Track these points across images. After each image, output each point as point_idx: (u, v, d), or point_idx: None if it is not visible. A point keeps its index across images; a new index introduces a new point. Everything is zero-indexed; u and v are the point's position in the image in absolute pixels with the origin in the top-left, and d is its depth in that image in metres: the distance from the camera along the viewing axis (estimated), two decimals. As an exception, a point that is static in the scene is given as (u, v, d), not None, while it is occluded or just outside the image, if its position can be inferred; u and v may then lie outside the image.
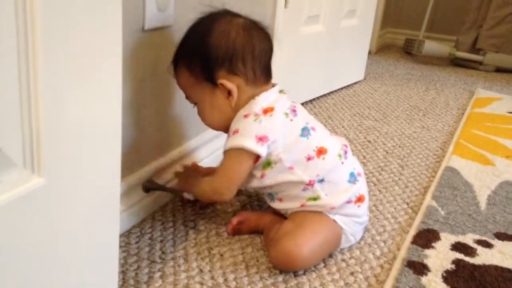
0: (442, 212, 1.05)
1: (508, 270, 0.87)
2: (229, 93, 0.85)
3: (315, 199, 0.86)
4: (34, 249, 0.51)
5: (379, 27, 2.78)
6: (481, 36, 2.60)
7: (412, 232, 0.97)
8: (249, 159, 0.84)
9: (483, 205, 1.10)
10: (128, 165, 0.91)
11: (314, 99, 1.84)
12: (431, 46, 2.63)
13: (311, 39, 1.72)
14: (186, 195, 0.95)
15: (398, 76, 2.33)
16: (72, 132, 0.52)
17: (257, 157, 0.84)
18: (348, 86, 2.07)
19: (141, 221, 0.94)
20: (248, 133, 0.82)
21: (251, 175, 0.87)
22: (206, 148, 1.16)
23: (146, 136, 0.95)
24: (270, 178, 0.86)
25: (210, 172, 1.01)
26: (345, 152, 0.91)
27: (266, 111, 0.84)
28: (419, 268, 0.85)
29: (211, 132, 1.17)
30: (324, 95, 1.91)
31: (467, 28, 2.67)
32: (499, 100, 1.98)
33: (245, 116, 0.84)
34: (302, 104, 1.77)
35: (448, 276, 0.83)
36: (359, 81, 2.16)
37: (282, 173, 0.85)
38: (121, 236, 0.89)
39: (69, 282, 0.57)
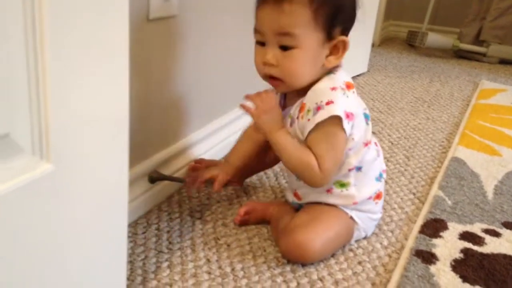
0: (449, 202, 1.04)
1: (516, 258, 0.86)
2: (335, 52, 0.81)
3: (343, 185, 0.85)
4: (43, 235, 0.50)
5: (382, 19, 2.77)
6: (485, 27, 2.59)
7: (420, 221, 0.96)
8: (344, 135, 0.80)
9: (490, 194, 1.10)
10: (134, 156, 0.90)
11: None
12: (434, 38, 2.61)
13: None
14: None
15: (401, 68, 2.32)
16: (81, 119, 0.51)
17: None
18: (352, 78, 2.06)
19: (148, 212, 0.94)
20: (341, 106, 0.77)
21: None
22: (212, 139, 1.15)
23: (152, 127, 0.95)
24: None
25: (215, 164, 1.00)
26: (379, 150, 0.91)
27: (348, 86, 0.81)
28: (427, 257, 0.84)
29: (216, 124, 1.17)
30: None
31: (470, 20, 2.66)
32: (504, 92, 1.97)
33: (332, 89, 0.79)
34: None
35: (456, 265, 0.83)
36: (363, 73, 2.15)
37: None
38: (128, 226, 0.88)
39: (77, 270, 0.57)
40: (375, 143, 0.92)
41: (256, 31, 0.81)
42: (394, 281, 0.78)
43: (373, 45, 2.22)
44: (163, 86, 0.95)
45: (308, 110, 0.80)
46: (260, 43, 0.81)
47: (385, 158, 1.28)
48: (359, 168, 0.85)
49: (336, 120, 0.77)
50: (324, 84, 0.80)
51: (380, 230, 0.94)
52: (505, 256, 0.86)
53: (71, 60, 0.48)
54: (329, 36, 0.79)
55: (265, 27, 0.79)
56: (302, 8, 0.76)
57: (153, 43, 0.89)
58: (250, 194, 1.05)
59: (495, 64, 2.57)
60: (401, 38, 3.07)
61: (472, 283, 0.79)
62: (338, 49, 0.81)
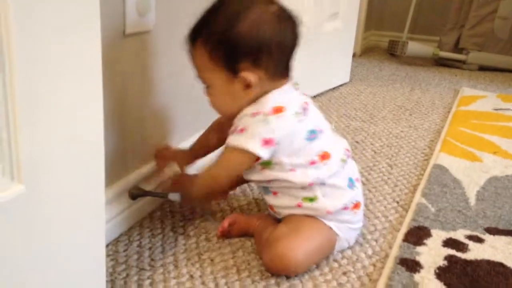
0: (433, 209, 1.04)
1: (500, 264, 0.86)
2: (248, 85, 0.82)
3: (311, 199, 0.85)
4: (15, 260, 0.49)
5: (363, 29, 2.80)
6: (463, 35, 2.63)
7: (403, 230, 0.96)
8: (250, 159, 0.83)
9: (472, 201, 1.10)
10: (113, 173, 0.89)
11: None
12: (414, 47, 2.64)
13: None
14: (172, 197, 0.92)
15: (383, 78, 2.34)
16: (53, 140, 0.50)
17: (258, 158, 0.82)
18: (334, 88, 2.07)
19: (129, 229, 0.93)
20: (254, 135, 0.80)
21: (251, 168, 0.86)
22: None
23: (130, 143, 0.94)
24: (270, 174, 0.85)
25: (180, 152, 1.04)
26: (348, 157, 0.90)
27: (276, 110, 0.81)
28: (411, 265, 0.84)
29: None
30: (311, 97, 1.90)
31: (449, 28, 2.69)
32: (484, 98, 1.99)
33: (253, 114, 0.81)
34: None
35: (441, 272, 0.83)
36: (345, 83, 2.16)
37: (283, 172, 0.84)
38: (108, 244, 0.87)
39: (54, 293, 0.56)
40: (346, 149, 0.90)
41: None
42: (378, 291, 0.78)
43: (354, 55, 2.24)
44: (142, 100, 0.95)
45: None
46: None
47: (368, 167, 1.29)
48: (322, 183, 0.84)
49: (236, 149, 0.82)
50: (248, 110, 0.83)
51: (364, 239, 0.94)
52: (488, 262, 0.87)
53: (41, 78, 0.47)
54: (234, 72, 0.81)
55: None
56: (200, 54, 0.82)
57: (130, 58, 0.88)
58: (233, 207, 1.04)
59: (475, 71, 2.60)
60: (382, 48, 3.10)
61: (456, 290, 0.79)
62: (246, 84, 0.82)
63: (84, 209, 0.57)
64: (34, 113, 0.47)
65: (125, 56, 0.86)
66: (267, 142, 0.80)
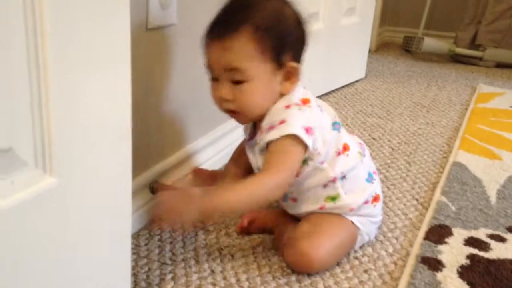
0: (453, 208, 1.03)
1: (523, 264, 0.85)
2: (290, 77, 0.80)
3: (334, 198, 0.84)
4: (46, 250, 0.49)
5: (378, 25, 2.77)
6: (480, 31, 2.59)
7: (424, 228, 0.95)
8: (301, 150, 0.77)
9: (493, 199, 1.09)
10: (135, 167, 0.89)
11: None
12: (430, 43, 2.62)
13: (311, 37, 1.70)
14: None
15: (398, 74, 2.32)
16: (83, 132, 0.50)
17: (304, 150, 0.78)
18: (349, 84, 2.06)
19: (149, 223, 0.93)
20: (296, 124, 0.76)
21: None
22: (213, 148, 1.14)
23: (152, 137, 0.94)
24: (304, 176, 0.82)
25: (215, 175, 0.99)
26: (363, 150, 0.90)
27: (304, 101, 0.81)
28: (433, 264, 0.83)
29: (217, 132, 1.16)
30: (326, 93, 1.90)
31: (466, 24, 2.66)
32: (502, 95, 1.97)
33: (287, 107, 0.79)
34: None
35: (463, 272, 0.82)
36: (360, 79, 2.15)
37: (314, 170, 0.82)
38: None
39: (81, 285, 0.56)
40: (360, 143, 0.91)
41: (208, 66, 0.81)
42: (401, 289, 0.77)
43: (369, 51, 2.22)
44: (162, 95, 0.94)
45: (261, 132, 0.81)
46: (214, 79, 0.81)
47: (386, 164, 1.28)
48: (343, 177, 0.84)
49: (288, 139, 0.76)
50: (279, 105, 0.80)
51: (384, 237, 0.93)
52: (511, 261, 0.86)
53: (73, 72, 0.47)
54: (279, 64, 0.79)
55: (214, 64, 0.79)
56: (245, 42, 0.76)
57: (152, 53, 0.88)
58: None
59: (492, 68, 2.57)
60: (397, 44, 3.07)
61: (480, 290, 0.78)
62: (291, 75, 0.80)
63: (112, 200, 0.57)
64: (65, 106, 0.47)
65: (147, 51, 0.86)
66: (307, 130, 0.77)
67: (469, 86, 2.15)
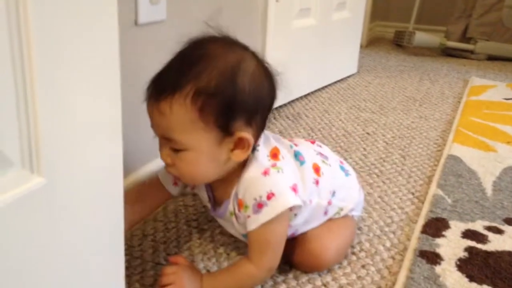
0: (449, 200, 1.03)
1: (521, 255, 0.85)
2: (238, 146, 0.69)
3: (338, 213, 0.84)
4: (36, 251, 0.48)
5: (369, 20, 2.77)
6: (471, 25, 2.60)
7: (421, 221, 0.94)
8: (288, 214, 0.74)
9: (489, 191, 1.08)
10: (127, 166, 0.88)
11: (309, 94, 1.82)
12: (421, 37, 2.62)
13: (303, 33, 1.69)
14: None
15: (390, 68, 2.32)
16: (72, 131, 0.49)
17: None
18: (341, 79, 2.05)
19: (142, 223, 0.91)
20: (284, 190, 0.70)
21: None
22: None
23: (143, 136, 0.92)
24: (300, 223, 0.79)
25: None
26: (321, 154, 0.85)
27: (274, 155, 0.74)
28: (431, 257, 0.82)
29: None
30: (319, 89, 1.89)
31: (456, 17, 2.66)
32: (494, 88, 1.97)
33: (265, 173, 0.70)
34: (297, 98, 1.75)
35: (462, 264, 0.81)
36: (353, 74, 2.14)
37: (307, 211, 0.78)
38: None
39: (73, 286, 0.54)
40: (314, 150, 0.85)
41: (151, 125, 0.71)
42: (400, 284, 0.76)
43: (360, 46, 2.21)
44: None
45: (246, 206, 0.71)
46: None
47: (381, 158, 1.27)
48: (333, 193, 0.82)
49: (282, 214, 0.70)
50: (253, 173, 0.71)
51: (381, 231, 0.92)
52: (509, 253, 0.85)
53: (60, 70, 0.46)
54: (227, 132, 0.67)
55: (153, 126, 0.70)
56: (184, 109, 0.65)
57: (142, 49, 0.86)
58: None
59: (483, 61, 2.57)
60: (388, 39, 3.07)
61: (479, 283, 0.77)
62: (243, 143, 0.69)
63: (104, 200, 0.55)
64: (52, 104, 0.46)
65: (137, 47, 0.84)
66: (294, 189, 0.72)
67: (461, 79, 2.15)
